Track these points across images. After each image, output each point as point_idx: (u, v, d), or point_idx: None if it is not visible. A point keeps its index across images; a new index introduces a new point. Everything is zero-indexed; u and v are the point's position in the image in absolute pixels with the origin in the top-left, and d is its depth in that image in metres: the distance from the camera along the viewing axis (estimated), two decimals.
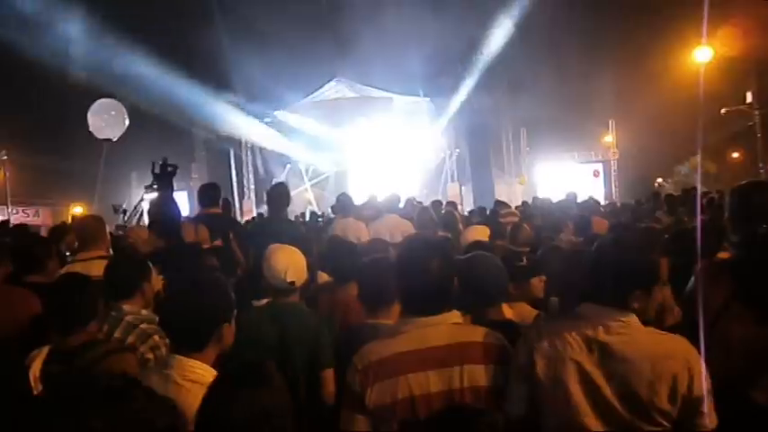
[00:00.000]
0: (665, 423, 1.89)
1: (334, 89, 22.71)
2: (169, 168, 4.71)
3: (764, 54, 21.14)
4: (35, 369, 2.56)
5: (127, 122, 8.32)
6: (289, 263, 3.08)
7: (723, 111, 22.82)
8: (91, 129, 7.99)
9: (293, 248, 3.22)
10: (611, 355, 1.92)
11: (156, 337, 2.85)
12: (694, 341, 2.05)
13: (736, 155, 29.47)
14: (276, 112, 22.39)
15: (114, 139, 8.26)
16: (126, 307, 2.99)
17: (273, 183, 21.06)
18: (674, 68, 20.54)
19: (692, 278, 2.42)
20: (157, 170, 4.67)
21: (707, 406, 1.91)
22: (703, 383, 1.91)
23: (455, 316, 2.18)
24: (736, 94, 23.15)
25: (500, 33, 18.28)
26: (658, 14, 18.95)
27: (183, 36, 17.38)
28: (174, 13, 16.95)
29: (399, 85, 20.80)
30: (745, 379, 2.19)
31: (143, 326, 2.90)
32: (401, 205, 8.53)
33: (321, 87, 22.36)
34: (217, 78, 18.96)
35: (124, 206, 6.54)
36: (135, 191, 19.62)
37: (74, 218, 5.11)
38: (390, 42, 17.64)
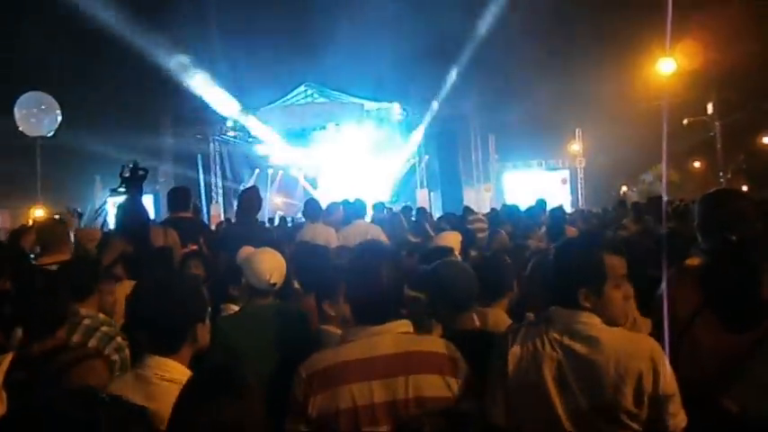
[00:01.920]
0: (633, 425, 1.89)
1: (303, 94, 22.63)
2: (140, 172, 4.61)
3: (724, 67, 21.77)
4: None
5: (59, 117, 7.58)
6: (273, 265, 3.08)
7: (685, 121, 23.40)
8: (19, 125, 7.34)
9: (275, 251, 3.21)
10: (577, 357, 1.93)
11: (119, 339, 2.84)
12: (663, 347, 2.08)
13: (697, 164, 30.20)
14: (245, 116, 22.20)
15: (48, 135, 7.60)
16: (82, 310, 2.94)
17: (242, 187, 20.97)
18: (639, 79, 20.99)
19: (662, 284, 2.44)
20: (127, 174, 4.57)
21: (675, 406, 1.91)
22: (670, 382, 1.91)
23: (404, 325, 2.14)
24: (698, 105, 23.77)
25: (471, 41, 18.45)
26: (624, 26, 19.36)
27: (152, 38, 17.13)
28: (143, 16, 16.70)
29: (370, 91, 20.84)
30: (715, 386, 2.20)
31: (104, 328, 2.88)
32: (368, 211, 8.51)
33: (291, 92, 22.27)
34: (185, 80, 18.73)
35: (79, 209, 6.30)
36: (99, 194, 19.24)
37: (35, 221, 4.96)
38: (361, 48, 17.70)
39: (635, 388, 1.87)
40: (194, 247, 4.80)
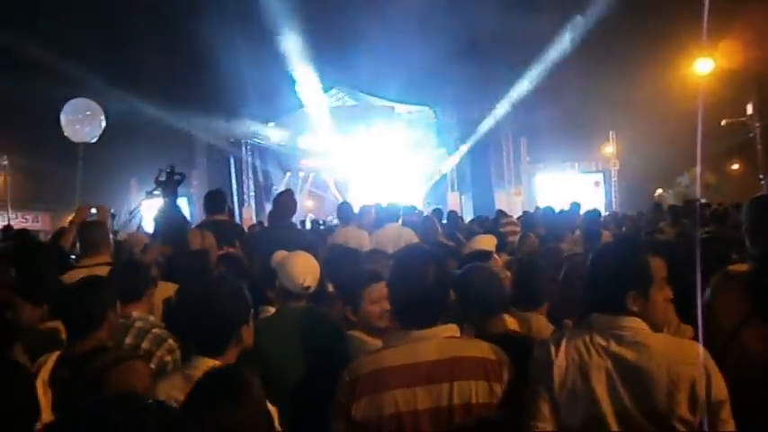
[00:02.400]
0: (683, 431, 1.85)
1: (334, 97, 22.74)
2: (176, 177, 4.68)
3: (765, 66, 21.22)
4: (44, 375, 2.54)
5: (104, 123, 7.69)
6: (307, 268, 3.08)
7: (723, 122, 22.87)
8: (65, 131, 7.51)
9: (309, 254, 3.21)
10: (627, 365, 1.88)
11: (171, 341, 2.89)
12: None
13: (735, 166, 29.51)
14: (276, 120, 22.39)
15: (92, 141, 7.78)
16: (134, 313, 3.00)
17: (275, 190, 21.11)
18: (675, 80, 20.59)
19: (708, 291, 2.38)
20: (163, 177, 4.64)
21: (726, 412, 1.87)
22: (722, 388, 1.87)
23: (450, 329, 2.12)
24: (737, 105, 23.20)
25: (503, 43, 18.31)
26: (659, 26, 19.03)
27: (184, 41, 17.40)
28: (174, 19, 16.97)
29: (401, 94, 20.82)
30: (763, 397, 2.14)
31: (155, 330, 2.93)
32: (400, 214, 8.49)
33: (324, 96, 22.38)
34: (218, 85, 18.97)
35: (112, 210, 6.42)
36: (135, 197, 19.58)
37: (72, 222, 5.08)
38: (392, 51, 17.68)
39: (689, 394, 1.84)
40: (231, 250, 4.84)
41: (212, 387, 1.73)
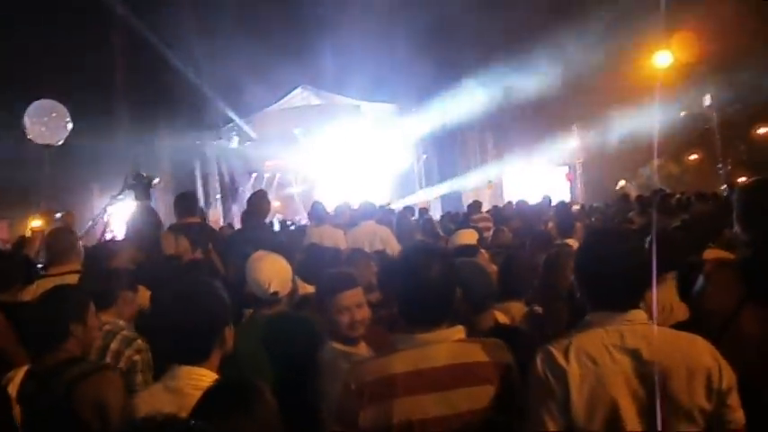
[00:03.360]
0: (703, 422, 1.82)
1: (299, 96, 22.54)
2: (146, 179, 4.54)
3: (720, 58, 21.75)
4: (11, 390, 2.43)
5: (70, 125, 7.47)
6: (273, 272, 2.93)
7: (682, 113, 23.41)
8: (28, 133, 7.30)
9: (277, 257, 3.07)
10: (643, 361, 1.83)
11: (140, 341, 2.90)
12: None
13: (695, 156, 30.22)
14: (241, 120, 22.11)
15: (57, 144, 7.56)
16: (103, 317, 2.90)
17: (241, 192, 20.81)
18: (635, 72, 20.96)
19: (701, 278, 2.38)
20: (132, 180, 4.50)
21: (735, 400, 1.86)
22: (732, 376, 1.86)
23: (458, 332, 2.05)
24: (696, 97, 23.75)
25: (467, 38, 18.40)
26: (621, 18, 19.32)
27: (146, 43, 17.04)
28: (135, 17, 16.60)
29: (366, 92, 20.77)
30: (759, 380, 2.14)
31: (124, 332, 2.92)
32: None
33: (286, 95, 22.18)
34: (180, 86, 18.63)
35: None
36: (97, 203, 19.10)
37: (34, 231, 4.89)
38: (356, 49, 17.61)
39: (705, 384, 1.81)
40: (198, 255, 4.71)
41: (224, 398, 1.66)
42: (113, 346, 2.84)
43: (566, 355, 1.86)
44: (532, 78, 19.93)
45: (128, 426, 1.45)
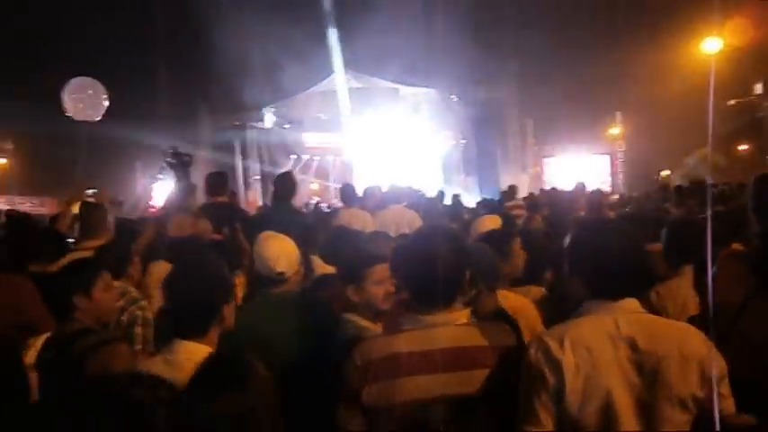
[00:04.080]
0: (695, 410, 1.82)
1: (339, 79, 22.56)
2: (184, 158, 4.66)
3: None
4: (30, 357, 2.56)
5: (107, 102, 7.71)
6: (279, 252, 2.93)
7: (731, 102, 22.64)
8: (67, 110, 7.50)
9: (285, 237, 3.07)
10: (637, 348, 1.82)
11: (144, 303, 3.18)
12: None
13: (744, 147, 29.22)
14: (281, 103, 22.29)
15: (95, 119, 7.78)
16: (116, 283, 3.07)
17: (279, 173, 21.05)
18: (683, 59, 20.34)
19: (713, 268, 2.33)
20: (171, 159, 4.62)
21: (727, 388, 1.85)
22: (723, 365, 1.85)
23: (464, 316, 2.07)
24: (745, 85, 22.93)
25: (508, 24, 18.13)
26: (667, 4, 18.74)
27: (190, 26, 17.29)
28: (179, 4, 16.86)
29: (405, 75, 20.68)
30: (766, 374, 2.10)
31: (132, 294, 3.22)
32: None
33: (326, 78, 22.25)
34: (221, 67, 18.88)
35: (121, 198, 6.42)
36: (140, 181, 19.57)
37: (68, 205, 5.07)
38: (397, 32, 17.53)
39: (698, 372, 1.81)
40: (217, 237, 4.81)
41: (217, 372, 1.70)
42: (120, 303, 3.07)
43: (561, 344, 1.84)
44: (576, 63, 19.54)
45: (128, 388, 1.51)
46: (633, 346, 1.82)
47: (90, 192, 4.87)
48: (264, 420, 1.64)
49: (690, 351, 1.82)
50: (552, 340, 1.86)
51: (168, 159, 5.72)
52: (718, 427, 1.72)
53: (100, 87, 7.59)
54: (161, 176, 6.31)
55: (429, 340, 1.99)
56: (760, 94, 22.86)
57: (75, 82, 7.52)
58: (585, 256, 1.98)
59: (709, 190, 9.06)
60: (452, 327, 2.03)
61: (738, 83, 22.33)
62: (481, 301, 2.67)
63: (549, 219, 7.41)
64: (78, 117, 7.38)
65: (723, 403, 1.83)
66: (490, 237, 3.48)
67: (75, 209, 4.63)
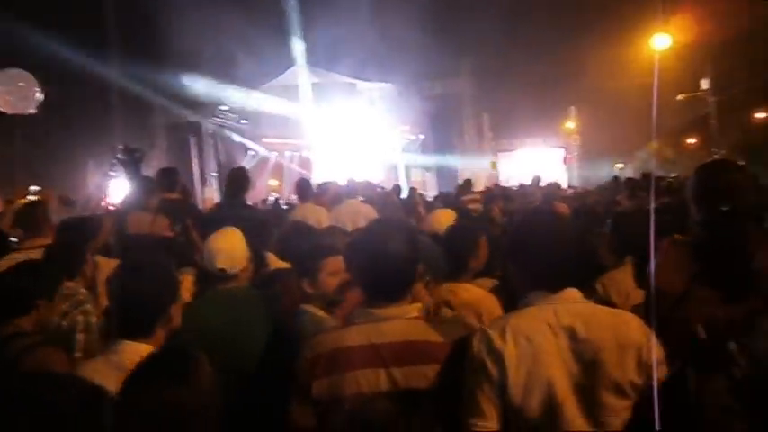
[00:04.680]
0: (633, 395, 1.85)
1: (295, 74, 22.40)
2: (136, 154, 4.53)
3: (718, 42, 21.59)
4: None
5: (40, 95, 7.33)
6: (221, 248, 2.88)
7: (680, 97, 23.28)
8: None
9: (234, 233, 3.01)
10: (578, 339, 1.84)
11: (89, 306, 3.03)
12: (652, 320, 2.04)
13: (691, 141, 30.13)
14: (237, 99, 22.00)
15: (29, 112, 7.43)
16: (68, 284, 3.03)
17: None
18: (634, 55, 20.82)
19: (656, 258, 2.39)
20: (122, 156, 4.50)
21: (663, 371, 1.88)
22: (660, 350, 1.88)
23: (415, 309, 2.07)
24: (693, 80, 23.62)
25: (463, 20, 18.28)
26: (618, 1, 19.18)
27: (143, 19, 16.90)
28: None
29: (363, 70, 20.67)
30: (708, 356, 2.16)
31: (79, 297, 3.09)
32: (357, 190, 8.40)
33: (282, 73, 22.05)
34: (177, 63, 18.53)
35: (73, 198, 6.21)
36: (93, 179, 19.06)
37: (9, 204, 4.87)
38: (353, 28, 17.49)
39: (636, 359, 1.84)
40: (169, 234, 4.72)
41: (157, 366, 1.65)
42: (64, 306, 2.95)
43: (502, 335, 1.85)
44: (531, 58, 19.82)
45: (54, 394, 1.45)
46: (572, 335, 1.84)
47: (34, 189, 4.71)
48: (208, 416, 1.60)
49: (627, 338, 1.85)
50: (494, 332, 1.87)
51: (119, 156, 5.57)
52: (657, 417, 1.76)
53: (30, 78, 7.24)
54: (112, 174, 6.13)
55: (379, 334, 1.98)
56: (706, 90, 23.55)
57: (3, 74, 7.17)
58: (525, 248, 2.00)
59: (653, 182, 9.33)
60: (403, 320, 2.01)
61: (688, 78, 22.98)
62: (429, 294, 2.69)
63: (504, 212, 7.51)
64: (9, 110, 7.05)
65: (659, 386, 1.85)
66: (458, 231, 3.49)
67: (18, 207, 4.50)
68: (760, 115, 27.00)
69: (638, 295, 2.90)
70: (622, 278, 3.07)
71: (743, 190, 2.31)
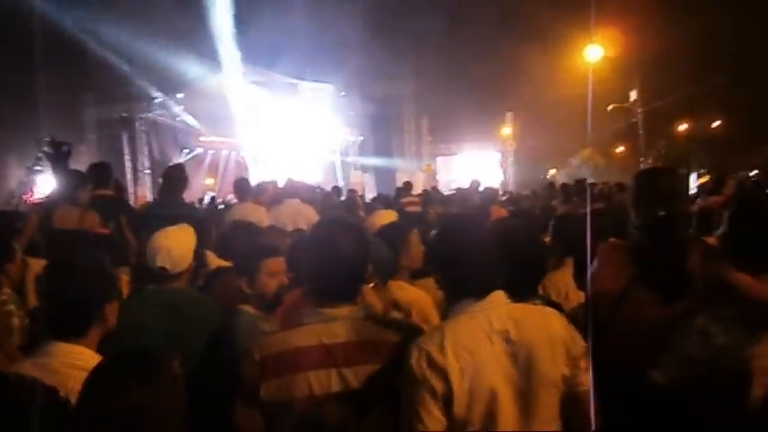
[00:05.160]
0: (563, 387, 1.89)
1: (234, 72, 21.97)
2: (64, 148, 4.30)
3: (646, 55, 22.59)
4: None
5: None
6: (163, 246, 2.79)
7: (609, 107, 24.22)
8: None
9: (180, 232, 2.91)
10: (510, 340, 1.86)
11: (12, 307, 2.89)
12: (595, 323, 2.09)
13: (621, 149, 31.35)
14: (173, 95, 21.42)
15: None
16: None
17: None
18: (569, 64, 21.51)
19: (596, 260, 2.45)
20: (48, 150, 4.26)
21: (586, 362, 1.93)
22: (581, 342, 1.94)
23: (362, 310, 2.04)
24: (623, 92, 24.61)
25: (405, 25, 18.42)
26: (555, 12, 19.77)
27: (74, 11, 16.21)
28: None
29: (304, 71, 20.51)
30: (645, 360, 2.22)
31: (3, 296, 2.94)
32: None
33: (221, 70, 21.59)
34: (109, 57, 17.88)
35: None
36: (15, 175, 18.18)
37: None
38: (295, 27, 17.34)
39: (565, 353, 1.89)
40: (104, 231, 4.53)
41: (120, 365, 1.58)
42: None
43: (442, 350, 1.82)
44: (471, 64, 20.16)
45: None
46: (507, 338, 1.86)
47: None
48: (174, 417, 1.53)
49: (554, 334, 1.90)
50: (433, 346, 1.84)
51: (45, 149, 5.28)
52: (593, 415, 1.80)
53: None
54: (38, 168, 5.83)
55: (330, 334, 1.95)
56: (634, 101, 24.56)
57: None
58: (446, 257, 2.00)
59: (588, 188, 9.65)
60: (354, 320, 1.99)
61: (619, 90, 23.92)
62: (377, 294, 2.67)
63: (442, 215, 7.59)
64: None
65: (582, 377, 1.91)
66: (388, 230, 3.49)
67: None
68: (682, 127, 28.45)
69: (577, 296, 2.97)
70: (562, 279, 3.15)
71: (679, 196, 2.40)
